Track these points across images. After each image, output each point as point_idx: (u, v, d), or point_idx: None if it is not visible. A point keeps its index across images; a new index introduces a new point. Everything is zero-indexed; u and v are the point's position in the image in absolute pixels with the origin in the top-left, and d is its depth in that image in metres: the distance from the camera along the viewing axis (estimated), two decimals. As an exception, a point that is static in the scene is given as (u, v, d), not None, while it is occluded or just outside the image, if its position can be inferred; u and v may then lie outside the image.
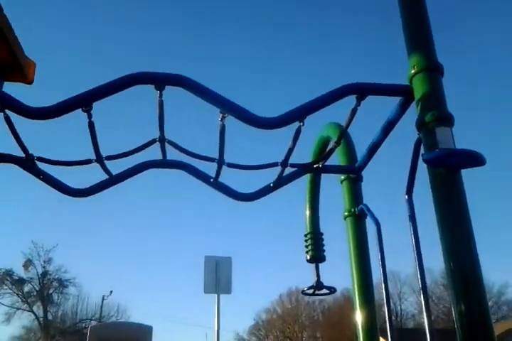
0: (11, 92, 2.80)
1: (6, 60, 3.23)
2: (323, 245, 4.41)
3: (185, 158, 3.43)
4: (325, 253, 4.38)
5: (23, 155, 2.96)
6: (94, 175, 3.56)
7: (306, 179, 4.26)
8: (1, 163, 3.18)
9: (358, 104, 2.68)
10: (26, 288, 34.04)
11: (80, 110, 2.58)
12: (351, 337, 37.71)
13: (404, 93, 2.59)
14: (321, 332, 48.37)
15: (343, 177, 3.62)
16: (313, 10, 62.12)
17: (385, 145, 3.08)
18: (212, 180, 3.45)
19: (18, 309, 33.71)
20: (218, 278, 8.91)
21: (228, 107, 2.58)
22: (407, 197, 2.74)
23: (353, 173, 3.53)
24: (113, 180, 3.39)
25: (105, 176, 3.37)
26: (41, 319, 33.73)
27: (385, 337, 2.95)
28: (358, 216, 3.51)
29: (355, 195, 3.55)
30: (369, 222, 3.49)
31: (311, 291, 4.40)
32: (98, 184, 3.41)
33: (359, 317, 3.39)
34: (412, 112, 2.63)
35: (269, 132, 2.84)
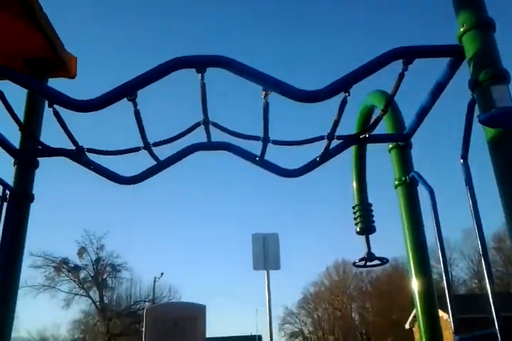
0: (54, 87, 2.86)
1: (48, 57, 3.30)
2: (372, 216, 4.37)
3: (230, 139, 3.44)
4: (374, 224, 4.37)
5: (73, 147, 3.03)
6: (138, 162, 3.63)
7: (350, 151, 4.21)
8: (53, 157, 3.27)
9: (405, 69, 2.59)
10: (82, 275, 35.59)
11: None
12: (402, 306, 37.76)
13: (454, 53, 2.48)
14: (370, 302, 48.56)
15: (391, 145, 3.54)
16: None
17: (434, 110, 2.98)
18: (257, 158, 3.44)
19: (75, 294, 35.34)
20: (266, 254, 9.00)
21: (271, 84, 2.54)
22: (462, 161, 2.65)
23: (402, 141, 3.44)
24: (161, 166, 3.44)
25: (153, 162, 3.42)
26: (98, 303, 35.26)
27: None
28: (410, 184, 3.44)
29: (405, 163, 3.47)
30: (421, 190, 3.42)
31: (362, 263, 4.38)
32: (146, 170, 3.46)
33: (416, 286, 3.35)
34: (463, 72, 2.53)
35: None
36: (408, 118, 3.43)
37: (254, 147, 3.49)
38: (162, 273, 35.63)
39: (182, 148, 3.49)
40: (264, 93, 2.67)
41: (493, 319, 2.19)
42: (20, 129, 3.19)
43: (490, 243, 38.96)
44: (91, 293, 35.53)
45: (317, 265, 74.03)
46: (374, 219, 4.32)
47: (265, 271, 8.93)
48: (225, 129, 3.13)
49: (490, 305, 2.30)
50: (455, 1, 2.47)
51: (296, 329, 52.49)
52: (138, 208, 58.72)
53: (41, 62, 3.39)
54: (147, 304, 33.85)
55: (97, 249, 35.33)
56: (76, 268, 35.08)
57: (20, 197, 3.22)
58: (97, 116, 2.78)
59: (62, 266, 34.42)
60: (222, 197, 63.35)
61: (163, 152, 3.48)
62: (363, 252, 4.27)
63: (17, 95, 3.11)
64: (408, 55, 2.50)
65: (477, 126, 2.45)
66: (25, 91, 3.30)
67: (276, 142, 3.16)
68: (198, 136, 3.40)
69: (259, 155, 3.39)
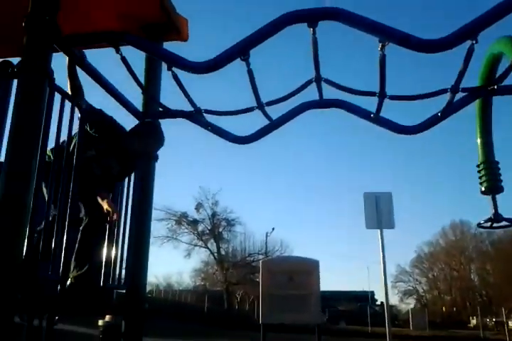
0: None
1: (163, 21, 3.40)
2: (499, 175, 4.06)
3: (342, 96, 3.34)
4: (502, 184, 4.06)
5: (192, 109, 3.15)
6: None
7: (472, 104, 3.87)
8: (173, 119, 3.45)
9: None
10: (200, 228, 38.08)
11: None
12: (527, 270, 35.33)
13: None
14: (491, 264, 45.97)
15: (523, 98, 3.19)
16: None
17: None
18: (372, 115, 3.31)
19: (195, 246, 38.10)
20: (380, 213, 8.85)
21: (389, 34, 2.38)
22: None
23: (538, 93, 3.07)
24: (273, 125, 3.46)
25: (265, 122, 3.45)
26: (215, 254, 37.74)
27: None
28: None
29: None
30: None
31: (488, 224, 4.12)
32: (260, 130, 3.50)
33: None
34: None
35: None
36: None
37: (368, 104, 3.36)
38: (273, 228, 36.97)
39: (293, 106, 3.47)
40: (380, 45, 2.51)
41: None
42: (142, 93, 3.39)
43: None
44: (209, 245, 38.05)
45: (430, 224, 71.36)
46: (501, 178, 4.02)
47: (378, 230, 8.82)
48: (338, 86, 3.04)
49: None
50: None
51: (410, 288, 51.82)
52: (249, 167, 60.67)
53: (157, 26, 3.49)
54: (260, 257, 35.49)
55: (212, 204, 37.40)
56: (194, 222, 37.61)
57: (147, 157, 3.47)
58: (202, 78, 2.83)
59: (182, 219, 37.08)
60: (336, 155, 62.87)
61: (275, 111, 3.49)
62: (482, 213, 4.01)
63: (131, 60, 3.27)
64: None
65: None
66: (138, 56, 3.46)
67: (393, 97, 2.99)
68: (309, 94, 3.36)
69: (374, 111, 3.26)
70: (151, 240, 3.55)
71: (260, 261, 11.00)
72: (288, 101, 3.26)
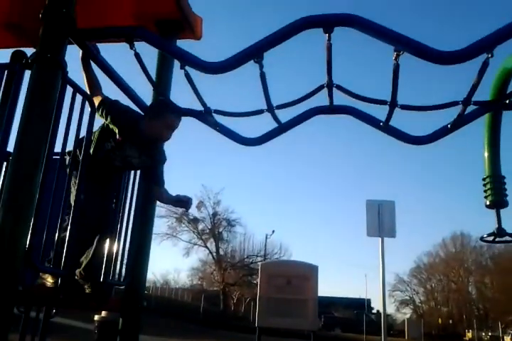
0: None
1: (176, 18, 3.39)
2: (505, 189, 4.04)
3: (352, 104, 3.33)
4: (507, 198, 4.04)
5: (202, 108, 3.15)
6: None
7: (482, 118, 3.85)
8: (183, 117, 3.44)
9: None
10: (200, 226, 38.07)
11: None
12: (526, 285, 35.08)
13: None
14: (490, 278, 45.72)
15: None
16: None
17: None
18: (382, 124, 3.30)
19: (194, 244, 38.08)
20: (381, 221, 8.81)
21: (405, 43, 2.37)
22: None
23: (551, 109, 3.06)
24: (282, 128, 3.45)
25: (274, 125, 3.45)
26: (214, 254, 37.72)
27: None
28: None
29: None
30: None
31: (490, 238, 4.10)
32: (268, 133, 3.50)
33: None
34: None
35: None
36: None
37: (376, 112, 3.35)
38: (273, 231, 36.93)
39: (303, 111, 3.47)
40: (395, 54, 2.50)
41: None
42: (154, 89, 3.38)
43: None
44: (208, 244, 38.03)
45: (431, 235, 71.13)
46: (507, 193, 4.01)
47: (379, 238, 8.78)
48: (349, 93, 3.03)
49: None
50: None
51: (407, 297, 51.55)
52: (254, 168, 60.65)
53: (171, 23, 3.46)
54: (259, 259, 35.45)
55: (214, 203, 37.40)
56: (195, 220, 37.60)
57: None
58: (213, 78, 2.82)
59: (183, 217, 37.07)
60: (339, 161, 62.82)
61: (284, 115, 3.49)
62: (484, 226, 4.00)
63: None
64: None
65: None
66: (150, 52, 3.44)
67: (404, 107, 2.98)
68: (322, 99, 3.35)
69: (383, 120, 3.25)
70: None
71: (259, 264, 10.98)
72: (298, 105, 3.26)
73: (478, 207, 4.18)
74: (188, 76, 2.73)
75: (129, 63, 2.93)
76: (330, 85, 3.01)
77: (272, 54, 2.67)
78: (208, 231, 38.08)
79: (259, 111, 3.11)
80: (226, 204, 39.28)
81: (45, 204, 2.29)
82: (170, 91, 3.72)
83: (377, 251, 8.77)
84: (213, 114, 3.22)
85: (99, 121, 2.94)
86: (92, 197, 2.86)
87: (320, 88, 3.05)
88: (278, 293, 8.17)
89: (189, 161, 55.44)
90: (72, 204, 2.60)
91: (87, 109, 2.74)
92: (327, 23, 2.37)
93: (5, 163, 3.04)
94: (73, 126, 2.54)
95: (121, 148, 2.90)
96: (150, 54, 3.29)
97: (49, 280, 2.74)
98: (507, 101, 3.07)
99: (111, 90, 3.15)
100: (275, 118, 3.23)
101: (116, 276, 3.30)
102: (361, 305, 47.71)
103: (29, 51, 2.42)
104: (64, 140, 2.44)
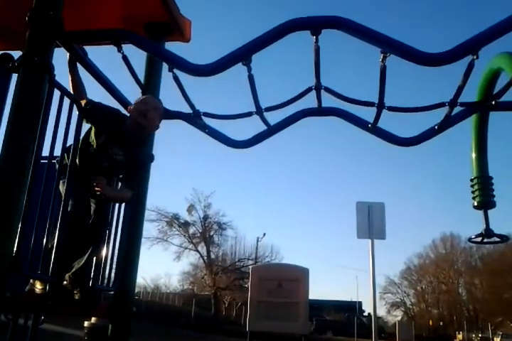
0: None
1: (166, 21, 3.38)
2: (492, 190, 4.07)
3: (341, 105, 3.35)
4: (494, 199, 4.07)
5: (191, 111, 3.14)
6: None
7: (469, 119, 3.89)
8: (171, 120, 3.43)
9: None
10: (191, 230, 37.83)
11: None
12: (515, 285, 35.40)
13: None
14: (479, 279, 46.08)
15: (520, 114, 3.21)
16: None
17: None
18: (370, 125, 3.32)
19: (185, 248, 37.83)
20: (371, 223, 8.83)
21: (392, 45, 2.39)
22: None
23: (536, 110, 3.09)
24: (271, 131, 3.46)
25: (263, 127, 3.45)
26: (205, 258, 37.52)
27: None
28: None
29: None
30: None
31: (479, 239, 4.13)
32: (257, 135, 3.50)
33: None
34: None
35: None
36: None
37: (364, 114, 3.37)
38: (264, 234, 36.90)
39: (292, 113, 3.47)
40: (382, 56, 2.52)
41: None
42: (142, 92, 3.36)
43: None
44: (199, 248, 37.79)
45: (421, 236, 71.61)
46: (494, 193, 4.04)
47: (369, 240, 8.80)
48: (337, 95, 3.05)
49: None
50: None
51: (398, 300, 51.77)
52: (243, 171, 60.65)
53: (159, 26, 3.45)
54: (250, 262, 35.34)
55: (205, 207, 37.23)
56: (186, 224, 37.38)
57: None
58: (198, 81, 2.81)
59: (173, 220, 36.87)
60: (329, 163, 63.08)
61: (273, 117, 3.50)
62: (473, 227, 4.04)
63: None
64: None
65: None
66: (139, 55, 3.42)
67: (391, 108, 3.01)
68: (310, 101, 3.36)
69: (371, 121, 3.27)
70: (141, 241, 3.52)
71: (250, 267, 10.96)
72: (286, 107, 3.27)
73: (468, 207, 4.21)
74: (176, 78, 2.73)
75: (118, 66, 2.92)
76: (318, 87, 3.03)
77: (261, 56, 2.68)
78: (198, 234, 37.89)
79: (248, 114, 3.11)
80: (217, 208, 39.22)
81: (34, 209, 2.26)
82: (159, 94, 3.71)
83: (367, 253, 8.80)
84: (202, 117, 3.21)
85: (87, 124, 2.92)
86: (82, 202, 2.83)
87: (308, 90, 3.06)
88: (269, 296, 8.16)
89: (180, 165, 55.35)
90: (61, 209, 2.58)
91: (75, 112, 2.72)
92: (314, 25, 2.38)
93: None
94: (61, 129, 2.52)
95: (105, 148, 2.88)
96: (139, 56, 3.29)
97: (38, 286, 2.71)
98: (493, 102, 3.09)
99: (99, 94, 3.13)
100: (264, 120, 3.24)
101: (105, 281, 3.27)
102: (352, 307, 47.80)
103: (16, 54, 2.40)
104: (52, 144, 2.41)
